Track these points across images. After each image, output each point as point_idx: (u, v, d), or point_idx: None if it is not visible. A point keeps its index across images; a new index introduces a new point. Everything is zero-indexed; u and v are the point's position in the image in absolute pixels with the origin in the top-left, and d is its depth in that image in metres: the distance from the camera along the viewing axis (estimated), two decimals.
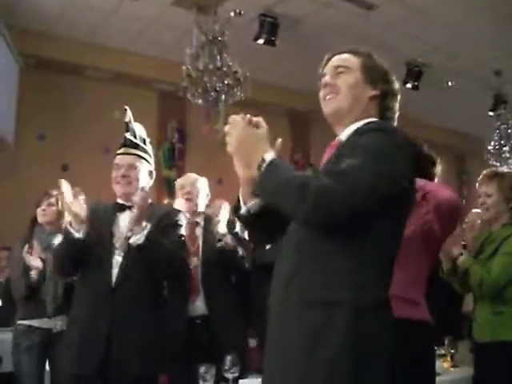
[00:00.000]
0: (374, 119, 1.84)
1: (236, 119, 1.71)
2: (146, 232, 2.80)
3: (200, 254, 3.61)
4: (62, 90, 8.16)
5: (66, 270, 3.12)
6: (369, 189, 1.53)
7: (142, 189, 2.90)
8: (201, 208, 3.76)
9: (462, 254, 3.22)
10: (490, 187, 3.36)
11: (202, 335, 3.37)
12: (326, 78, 1.91)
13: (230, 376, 2.61)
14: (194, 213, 3.72)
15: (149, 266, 2.87)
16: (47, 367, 3.97)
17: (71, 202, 2.84)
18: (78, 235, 2.83)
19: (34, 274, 3.85)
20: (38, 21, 7.60)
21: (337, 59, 1.93)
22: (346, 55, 1.92)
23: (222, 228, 3.59)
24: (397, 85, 1.94)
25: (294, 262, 1.67)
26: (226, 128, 1.72)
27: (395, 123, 1.93)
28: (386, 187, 1.57)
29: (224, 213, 3.59)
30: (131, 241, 2.81)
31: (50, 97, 8.03)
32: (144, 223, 2.82)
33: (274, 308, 1.73)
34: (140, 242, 2.79)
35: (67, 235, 2.87)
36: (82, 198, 2.92)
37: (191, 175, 3.88)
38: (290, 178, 1.57)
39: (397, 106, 1.93)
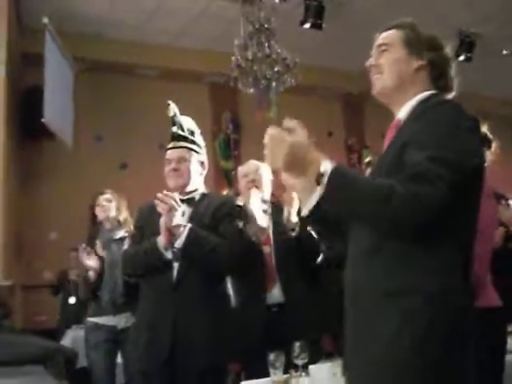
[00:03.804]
0: (429, 92, 1.79)
1: (273, 134, 1.64)
2: (185, 233, 2.82)
3: (272, 241, 3.50)
4: (114, 91, 8.34)
5: (138, 275, 3.14)
6: (450, 182, 1.48)
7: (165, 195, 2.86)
8: (266, 196, 3.60)
9: None
10: None
11: (277, 323, 3.33)
12: (370, 60, 1.90)
13: (299, 362, 2.60)
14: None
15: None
16: (119, 361, 4.07)
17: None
18: (169, 257, 2.87)
19: (91, 274, 3.93)
20: (86, 24, 7.77)
21: (380, 38, 1.91)
22: (388, 31, 1.90)
23: (293, 217, 3.42)
24: (448, 50, 1.87)
25: (366, 257, 1.66)
26: (265, 144, 1.65)
27: (453, 91, 1.86)
28: (463, 173, 1.52)
29: (296, 202, 3.39)
30: (175, 244, 2.84)
31: (104, 97, 8.21)
32: (183, 225, 2.84)
33: (351, 305, 1.71)
34: (179, 245, 2.83)
35: (160, 255, 2.88)
36: None
37: (253, 162, 3.73)
38: (369, 188, 1.55)
39: (451, 71, 1.86)
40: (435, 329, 1.51)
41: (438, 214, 1.49)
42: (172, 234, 2.84)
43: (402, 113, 1.80)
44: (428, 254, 1.55)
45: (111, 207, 4.17)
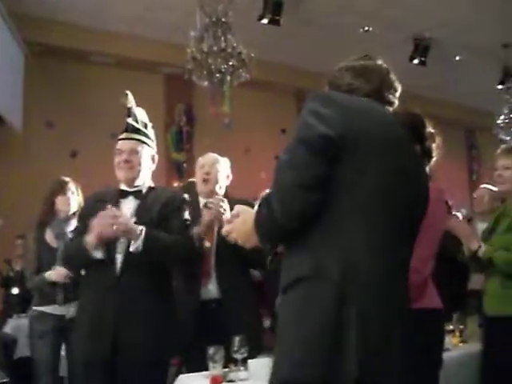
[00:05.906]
0: None
1: (230, 228, 1.82)
2: (141, 238, 2.82)
3: (215, 237, 3.46)
4: (68, 77, 8.18)
5: (76, 269, 3.21)
6: (298, 178, 1.56)
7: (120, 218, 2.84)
8: (219, 190, 3.57)
9: (480, 247, 3.17)
10: (509, 160, 3.32)
11: (214, 318, 3.34)
12: None
13: (238, 357, 2.63)
14: (212, 194, 3.50)
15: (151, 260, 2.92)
16: (63, 352, 4.02)
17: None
18: (98, 256, 2.86)
19: (52, 274, 3.86)
20: (40, 7, 7.60)
21: None
22: None
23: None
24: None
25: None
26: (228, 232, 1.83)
27: None
28: (310, 147, 1.57)
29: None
30: (131, 249, 2.83)
31: (57, 83, 8.05)
32: (138, 229, 2.82)
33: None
34: (139, 249, 2.82)
35: (87, 253, 2.86)
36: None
37: (212, 155, 3.66)
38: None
39: None
40: (306, 312, 1.55)
41: (293, 215, 1.58)
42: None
43: None
44: (299, 244, 1.63)
45: (75, 200, 4.11)
